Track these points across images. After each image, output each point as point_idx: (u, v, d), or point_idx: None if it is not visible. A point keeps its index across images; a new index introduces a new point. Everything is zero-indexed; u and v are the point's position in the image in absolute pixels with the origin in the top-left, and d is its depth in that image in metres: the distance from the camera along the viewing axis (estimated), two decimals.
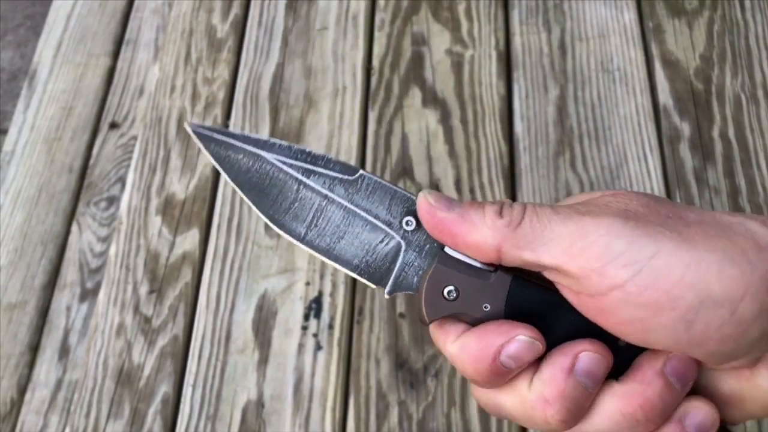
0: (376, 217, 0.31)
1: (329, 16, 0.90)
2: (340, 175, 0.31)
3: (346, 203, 0.31)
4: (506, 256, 0.29)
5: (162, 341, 0.72)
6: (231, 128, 0.29)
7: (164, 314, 0.73)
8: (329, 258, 0.32)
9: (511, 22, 0.86)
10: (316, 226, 0.31)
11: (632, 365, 0.29)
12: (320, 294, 0.72)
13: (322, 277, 0.73)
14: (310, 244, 0.31)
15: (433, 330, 0.31)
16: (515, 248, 0.28)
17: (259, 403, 0.68)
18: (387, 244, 0.31)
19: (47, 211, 0.86)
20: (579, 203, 0.29)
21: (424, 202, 0.29)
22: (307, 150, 0.31)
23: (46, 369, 0.77)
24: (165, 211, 0.79)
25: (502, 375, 0.29)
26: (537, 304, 0.29)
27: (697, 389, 0.29)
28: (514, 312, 0.29)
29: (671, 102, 0.79)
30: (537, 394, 0.29)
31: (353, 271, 0.31)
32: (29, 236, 0.84)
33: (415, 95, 0.82)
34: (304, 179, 0.31)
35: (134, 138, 0.89)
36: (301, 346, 0.70)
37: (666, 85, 0.80)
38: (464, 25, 0.86)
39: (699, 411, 0.28)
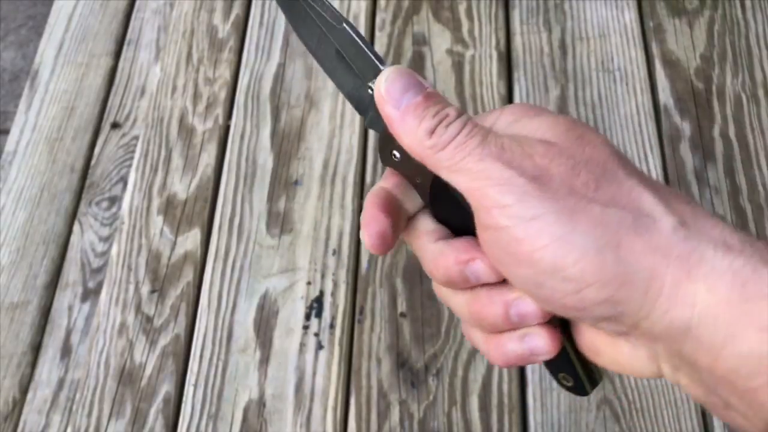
0: (356, 67, 0.34)
1: None
2: (330, 19, 0.34)
3: (336, 45, 0.34)
4: (427, 163, 0.31)
5: (163, 341, 0.72)
6: None
7: (166, 314, 0.73)
8: (332, 78, 0.36)
9: (512, 21, 0.86)
10: (321, 49, 0.35)
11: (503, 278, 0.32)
12: (321, 293, 0.72)
13: (323, 276, 0.73)
14: (319, 61, 0.36)
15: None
16: (433, 166, 0.31)
17: (261, 403, 0.68)
18: (366, 90, 0.34)
19: (49, 210, 0.86)
20: (519, 135, 0.31)
21: (377, 91, 0.32)
22: None
23: (48, 368, 0.77)
24: (166, 210, 0.79)
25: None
26: (454, 202, 0.32)
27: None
28: (436, 193, 0.33)
29: (672, 101, 0.79)
30: (436, 253, 0.33)
31: (346, 96, 0.35)
32: (31, 236, 0.85)
33: None
34: (308, 10, 0.35)
35: (136, 138, 0.89)
36: (302, 346, 0.70)
37: (666, 85, 0.80)
38: (465, 25, 0.87)
39: (539, 339, 0.32)
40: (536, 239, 0.28)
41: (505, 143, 0.30)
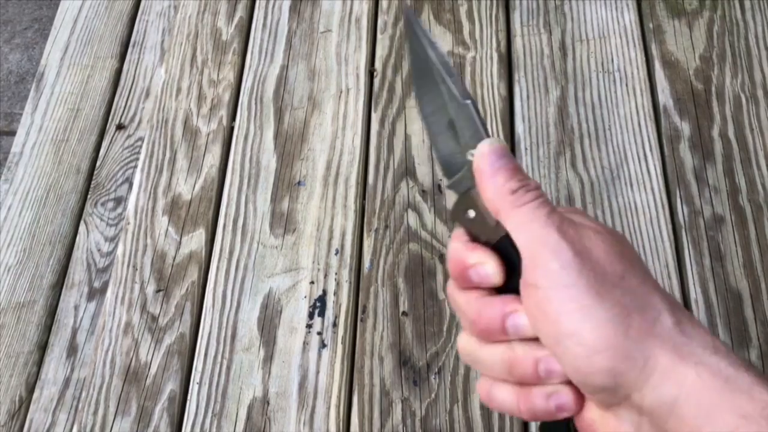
0: (462, 136, 0.39)
1: (333, 18, 0.91)
2: (458, 94, 0.39)
3: (452, 115, 0.39)
4: (501, 214, 0.37)
5: (169, 339, 0.73)
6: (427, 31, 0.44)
7: (171, 313, 0.74)
8: (432, 141, 0.42)
9: (513, 23, 0.87)
10: (434, 115, 0.40)
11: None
12: (324, 293, 0.73)
13: (326, 276, 0.74)
14: (427, 124, 0.41)
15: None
16: (504, 219, 0.37)
17: (265, 401, 0.68)
18: (462, 158, 0.39)
19: (55, 211, 0.87)
20: (576, 221, 0.37)
21: (481, 150, 0.38)
22: (452, 67, 0.40)
23: (54, 367, 0.78)
24: (171, 211, 0.80)
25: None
26: (514, 257, 0.37)
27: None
28: (497, 250, 0.38)
29: (671, 102, 0.80)
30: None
31: (438, 158, 0.41)
32: (37, 236, 0.86)
33: None
34: (441, 83, 0.40)
35: (141, 139, 0.90)
36: (305, 344, 0.71)
37: (666, 86, 0.81)
38: (466, 27, 0.87)
39: (566, 397, 0.36)
40: (566, 303, 0.34)
41: (565, 220, 0.36)
